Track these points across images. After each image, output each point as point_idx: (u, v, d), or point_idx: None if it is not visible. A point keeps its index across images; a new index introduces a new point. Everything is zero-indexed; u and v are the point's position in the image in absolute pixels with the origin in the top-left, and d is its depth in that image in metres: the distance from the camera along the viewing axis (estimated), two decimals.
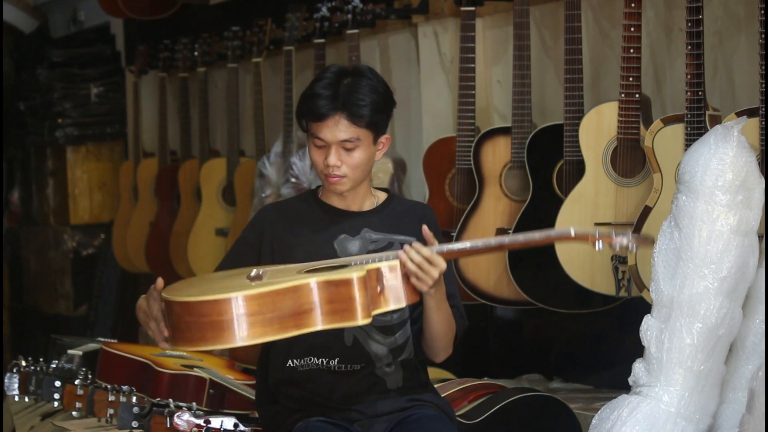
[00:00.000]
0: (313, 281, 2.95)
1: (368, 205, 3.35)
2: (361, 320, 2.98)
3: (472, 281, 4.53)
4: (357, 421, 3.25)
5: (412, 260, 3.05)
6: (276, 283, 2.96)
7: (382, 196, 3.38)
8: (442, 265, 3.07)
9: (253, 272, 3.11)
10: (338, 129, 3.19)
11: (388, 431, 3.25)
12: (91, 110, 8.08)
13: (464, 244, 3.13)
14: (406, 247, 3.07)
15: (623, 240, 3.00)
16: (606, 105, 4.11)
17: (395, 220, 3.33)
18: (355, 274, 2.97)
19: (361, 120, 3.19)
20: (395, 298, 3.06)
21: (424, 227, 3.15)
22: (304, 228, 3.30)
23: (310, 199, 3.37)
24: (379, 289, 3.04)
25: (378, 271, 3.04)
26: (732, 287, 3.44)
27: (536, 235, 3.07)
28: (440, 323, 3.24)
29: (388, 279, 3.04)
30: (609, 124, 4.08)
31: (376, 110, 3.21)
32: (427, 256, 3.05)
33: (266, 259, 3.29)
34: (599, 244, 3.02)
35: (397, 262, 3.06)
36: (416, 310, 3.29)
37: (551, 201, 4.31)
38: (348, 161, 3.22)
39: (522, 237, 3.10)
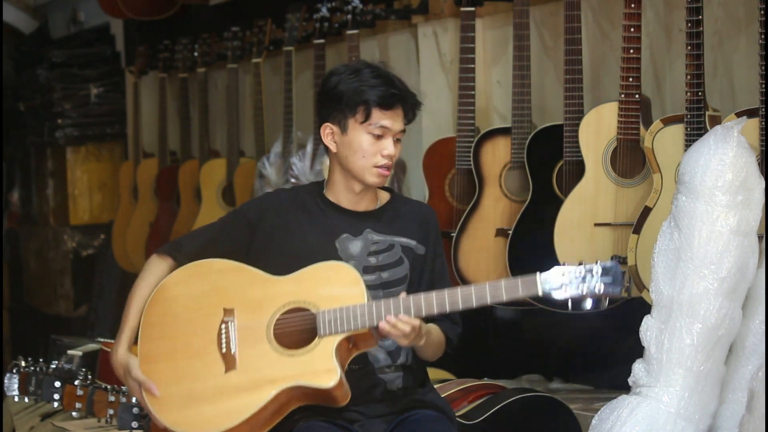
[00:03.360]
0: (287, 387, 3.11)
1: (371, 205, 3.35)
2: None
3: (472, 281, 4.52)
4: (357, 422, 3.25)
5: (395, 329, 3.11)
6: (253, 403, 3.11)
7: (385, 196, 3.39)
8: (416, 323, 3.12)
9: (223, 346, 3.16)
10: (399, 119, 3.24)
11: (389, 431, 3.25)
12: (91, 111, 8.08)
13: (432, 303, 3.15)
14: (390, 321, 3.10)
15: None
16: (606, 105, 4.11)
17: (397, 222, 3.34)
18: (331, 382, 3.09)
19: (413, 115, 3.27)
20: (367, 345, 3.18)
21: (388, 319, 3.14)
22: (308, 222, 3.30)
23: (316, 194, 3.36)
24: (351, 345, 3.16)
25: (348, 338, 3.13)
26: (732, 288, 3.44)
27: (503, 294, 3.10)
28: (427, 352, 3.31)
29: (359, 337, 3.15)
30: (609, 124, 4.08)
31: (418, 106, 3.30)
32: (412, 326, 3.11)
33: (262, 241, 3.29)
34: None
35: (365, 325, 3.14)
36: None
37: (551, 201, 4.31)
38: (395, 153, 3.26)
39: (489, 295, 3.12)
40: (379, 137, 3.22)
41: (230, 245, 3.30)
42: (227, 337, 3.16)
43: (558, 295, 3.04)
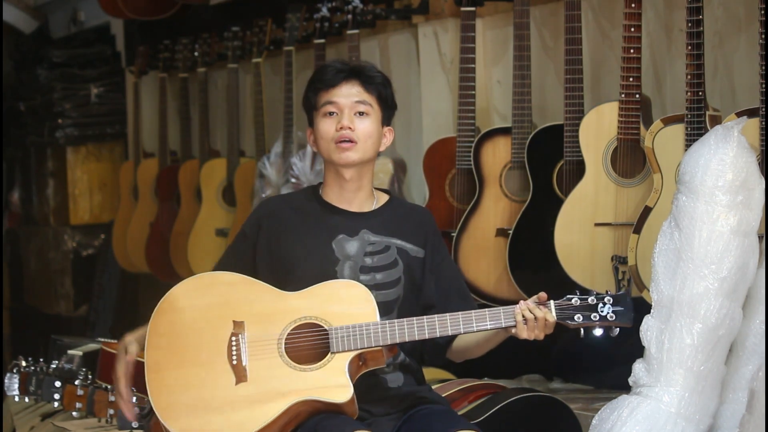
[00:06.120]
0: (299, 401, 3.11)
1: (368, 206, 3.35)
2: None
3: (472, 281, 4.53)
4: (363, 420, 3.24)
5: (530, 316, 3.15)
6: (264, 415, 3.10)
7: (383, 198, 3.39)
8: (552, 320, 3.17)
9: (233, 358, 3.15)
10: (352, 93, 3.26)
11: (398, 428, 3.26)
12: (91, 110, 8.08)
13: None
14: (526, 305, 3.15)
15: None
16: (606, 105, 4.11)
17: (394, 224, 3.34)
18: (345, 397, 3.10)
19: (373, 87, 3.28)
20: (376, 363, 3.19)
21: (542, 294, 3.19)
22: (303, 225, 3.32)
23: (311, 196, 3.38)
24: (361, 363, 3.17)
25: (359, 355, 3.15)
26: (732, 288, 3.44)
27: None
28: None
29: (370, 355, 3.16)
30: (609, 124, 4.08)
31: (385, 85, 3.30)
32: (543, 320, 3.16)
33: (262, 254, 3.31)
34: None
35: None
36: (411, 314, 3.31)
37: (551, 201, 4.31)
38: (360, 127, 3.26)
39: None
40: (333, 114, 3.26)
41: (245, 265, 3.32)
42: (238, 350, 3.15)
43: (570, 324, 3.15)
